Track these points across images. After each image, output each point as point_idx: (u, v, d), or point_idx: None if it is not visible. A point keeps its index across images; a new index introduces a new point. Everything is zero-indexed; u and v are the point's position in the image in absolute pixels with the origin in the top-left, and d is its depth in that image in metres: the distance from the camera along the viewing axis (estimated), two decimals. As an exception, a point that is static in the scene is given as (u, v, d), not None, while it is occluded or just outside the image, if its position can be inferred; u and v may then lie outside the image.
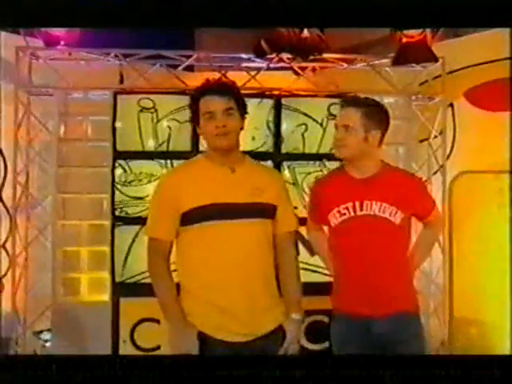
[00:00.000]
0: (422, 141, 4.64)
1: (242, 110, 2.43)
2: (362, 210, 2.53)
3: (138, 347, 4.04)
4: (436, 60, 4.17)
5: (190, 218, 2.34)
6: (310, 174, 4.14)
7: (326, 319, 4.01)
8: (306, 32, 3.63)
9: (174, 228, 2.37)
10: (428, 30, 3.94)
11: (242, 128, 2.44)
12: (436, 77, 4.48)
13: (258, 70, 4.26)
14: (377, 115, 2.55)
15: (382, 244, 2.52)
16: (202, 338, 2.31)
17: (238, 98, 2.41)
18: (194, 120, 2.44)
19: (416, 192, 2.62)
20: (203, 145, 3.96)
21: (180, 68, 4.40)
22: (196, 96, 2.41)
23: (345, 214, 2.55)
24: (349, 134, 2.52)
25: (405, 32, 3.99)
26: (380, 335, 2.52)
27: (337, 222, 2.57)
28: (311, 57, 3.91)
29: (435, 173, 4.49)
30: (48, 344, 4.13)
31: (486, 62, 4.38)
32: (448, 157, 4.55)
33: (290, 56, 3.92)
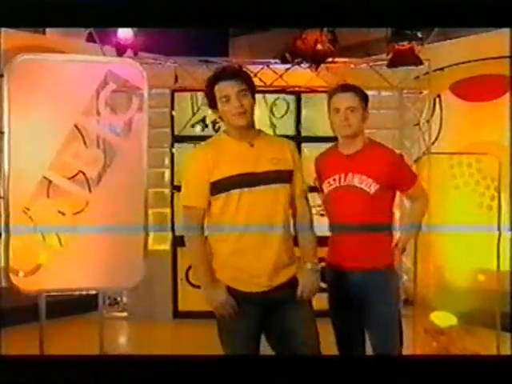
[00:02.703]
0: (416, 125, 5.74)
1: (253, 90, 2.55)
2: (345, 181, 2.80)
3: (191, 284, 5.29)
4: (421, 63, 5.21)
5: (218, 187, 2.52)
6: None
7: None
8: (319, 46, 4.75)
9: (205, 196, 2.54)
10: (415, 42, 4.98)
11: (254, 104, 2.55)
12: (425, 73, 5.54)
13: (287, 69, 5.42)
14: (366, 99, 2.83)
15: (359, 210, 2.77)
16: (229, 290, 2.52)
17: (247, 80, 2.54)
18: (212, 104, 2.55)
19: (393, 166, 2.81)
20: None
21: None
22: (211, 83, 2.52)
23: (332, 184, 2.83)
24: (352, 115, 2.75)
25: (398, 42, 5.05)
26: (355, 286, 2.78)
27: (327, 190, 2.86)
28: (322, 64, 5.06)
29: (424, 153, 5.51)
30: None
31: (468, 62, 5.37)
32: (436, 138, 5.63)
33: (307, 64, 5.05)
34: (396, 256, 2.86)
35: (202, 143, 2.69)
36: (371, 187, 2.76)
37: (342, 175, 2.80)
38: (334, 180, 2.83)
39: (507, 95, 4.92)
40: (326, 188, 2.87)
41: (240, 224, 2.51)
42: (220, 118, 2.59)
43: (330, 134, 5.33)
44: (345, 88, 2.82)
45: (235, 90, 2.48)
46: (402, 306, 3.02)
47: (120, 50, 5.27)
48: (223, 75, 2.53)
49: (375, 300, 2.79)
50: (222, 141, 2.60)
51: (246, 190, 2.51)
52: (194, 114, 5.43)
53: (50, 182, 3.74)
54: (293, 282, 2.57)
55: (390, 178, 2.79)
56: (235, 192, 2.51)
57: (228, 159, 2.53)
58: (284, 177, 2.58)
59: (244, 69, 2.71)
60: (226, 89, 2.48)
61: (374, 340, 2.84)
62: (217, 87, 2.50)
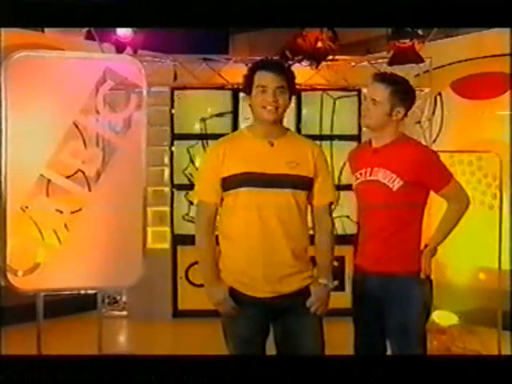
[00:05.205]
0: (417, 123, 5.71)
1: (293, 90, 2.49)
2: (370, 175, 2.68)
3: (190, 282, 5.29)
4: (422, 61, 5.20)
5: (228, 183, 2.46)
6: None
7: (336, 263, 5.22)
8: (319, 43, 4.73)
9: (215, 192, 2.49)
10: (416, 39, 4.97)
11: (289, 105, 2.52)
12: (426, 71, 5.53)
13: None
14: (403, 94, 2.65)
15: (381, 208, 2.65)
16: (233, 292, 2.46)
17: (290, 78, 2.48)
18: (247, 89, 2.50)
19: (421, 163, 2.62)
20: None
21: (222, 67, 5.49)
22: (253, 68, 2.49)
23: (359, 178, 2.73)
24: (375, 108, 2.63)
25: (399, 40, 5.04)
26: (372, 292, 2.64)
27: (354, 184, 2.78)
28: (323, 62, 5.04)
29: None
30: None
31: (468, 59, 5.37)
32: (437, 136, 5.62)
33: (307, 62, 5.04)
34: (423, 261, 2.63)
35: (220, 138, 2.62)
36: (394, 183, 2.61)
37: (369, 169, 2.70)
38: (361, 174, 2.73)
39: (508, 93, 4.92)
40: (354, 182, 2.79)
41: (246, 225, 2.44)
42: (250, 106, 2.52)
43: (330, 132, 5.47)
44: (378, 77, 2.68)
45: (274, 84, 2.42)
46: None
47: (119, 48, 5.26)
48: (268, 65, 2.49)
49: (392, 311, 2.61)
50: (240, 136, 2.57)
51: (255, 189, 2.43)
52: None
53: (49, 180, 3.72)
54: (302, 292, 2.48)
55: (418, 176, 2.61)
56: (243, 190, 2.44)
57: (241, 156, 2.47)
58: (300, 183, 2.48)
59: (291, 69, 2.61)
60: (266, 79, 2.43)
61: (393, 353, 2.67)
62: (257, 74, 2.46)
